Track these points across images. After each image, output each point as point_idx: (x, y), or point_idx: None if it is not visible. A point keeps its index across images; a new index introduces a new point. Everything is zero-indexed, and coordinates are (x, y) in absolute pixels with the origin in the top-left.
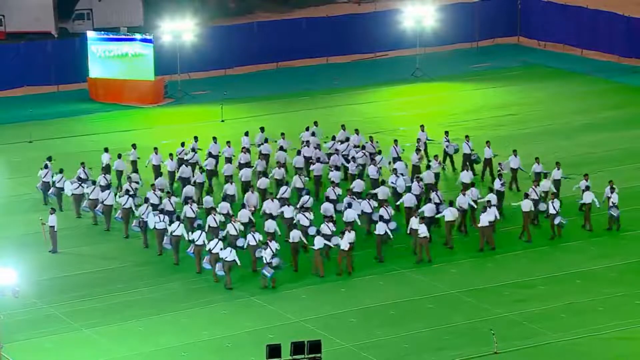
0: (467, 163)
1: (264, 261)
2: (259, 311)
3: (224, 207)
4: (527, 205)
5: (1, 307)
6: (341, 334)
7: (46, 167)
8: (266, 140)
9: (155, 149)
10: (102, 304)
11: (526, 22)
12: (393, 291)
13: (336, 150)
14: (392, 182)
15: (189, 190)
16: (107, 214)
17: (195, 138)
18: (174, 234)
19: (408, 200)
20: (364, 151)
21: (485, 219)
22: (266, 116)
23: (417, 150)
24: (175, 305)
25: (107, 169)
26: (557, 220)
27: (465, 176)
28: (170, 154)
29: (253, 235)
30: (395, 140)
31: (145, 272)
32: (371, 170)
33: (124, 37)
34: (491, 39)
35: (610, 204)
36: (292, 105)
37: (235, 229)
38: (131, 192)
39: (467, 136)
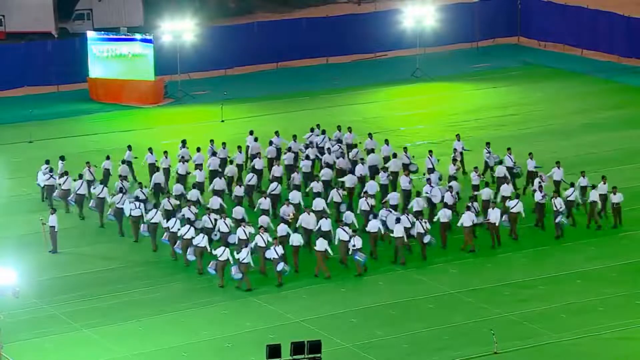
0: (509, 176)
1: (275, 256)
2: (259, 311)
3: (239, 212)
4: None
5: (1, 307)
6: (341, 334)
7: (101, 182)
8: (256, 140)
9: (129, 146)
10: (102, 304)
11: (526, 22)
12: (393, 291)
13: (310, 142)
14: (426, 192)
15: (159, 177)
16: (79, 203)
17: (211, 141)
18: (151, 221)
19: (443, 215)
20: (339, 144)
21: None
22: (266, 116)
23: (454, 160)
24: (175, 305)
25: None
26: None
27: (506, 190)
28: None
29: (224, 222)
30: (430, 151)
31: (145, 272)
32: (403, 181)
33: (124, 37)
34: (491, 39)
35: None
36: (292, 105)
37: (210, 220)
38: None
39: (509, 148)
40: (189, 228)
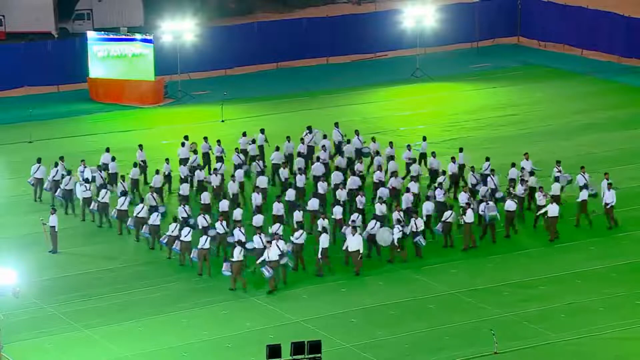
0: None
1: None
2: (259, 311)
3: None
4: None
5: (1, 307)
6: (341, 334)
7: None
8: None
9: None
10: (102, 304)
11: (526, 22)
12: (393, 291)
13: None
14: (482, 211)
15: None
16: (36, 186)
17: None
18: (101, 201)
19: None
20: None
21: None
22: (266, 116)
23: (522, 181)
24: (175, 305)
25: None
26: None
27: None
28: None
29: (204, 217)
30: (492, 170)
31: (145, 272)
32: (462, 198)
33: (124, 37)
34: (491, 39)
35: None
36: (292, 105)
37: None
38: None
39: (582, 167)
40: (157, 215)
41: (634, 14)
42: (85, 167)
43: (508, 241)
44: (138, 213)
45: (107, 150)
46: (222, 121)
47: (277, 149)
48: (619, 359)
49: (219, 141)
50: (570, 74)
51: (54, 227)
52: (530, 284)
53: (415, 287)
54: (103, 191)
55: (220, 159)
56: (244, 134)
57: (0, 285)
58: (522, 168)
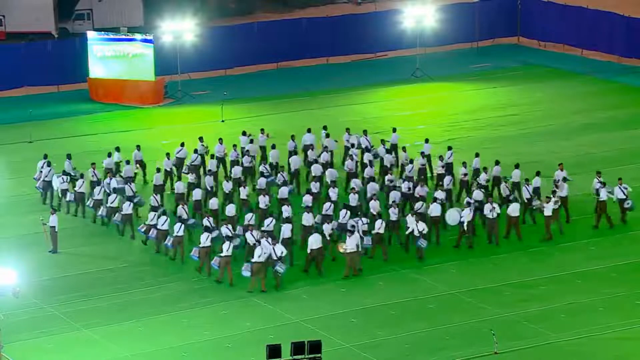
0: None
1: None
2: (259, 311)
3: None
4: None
5: (1, 307)
6: (341, 334)
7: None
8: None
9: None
10: (102, 304)
11: (526, 22)
12: (393, 291)
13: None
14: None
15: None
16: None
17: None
18: (77, 191)
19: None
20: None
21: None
22: (266, 116)
23: (553, 192)
24: (175, 305)
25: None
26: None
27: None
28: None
29: (155, 196)
30: (527, 179)
31: (145, 272)
32: (486, 209)
33: (124, 37)
34: (491, 39)
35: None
36: (292, 105)
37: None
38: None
39: (620, 179)
40: (130, 205)
41: (634, 14)
42: (111, 178)
43: (508, 241)
44: (112, 203)
45: (138, 148)
46: (222, 121)
47: (306, 156)
48: (619, 359)
49: (247, 151)
50: (570, 74)
51: (54, 227)
52: (530, 284)
53: (416, 287)
54: (80, 181)
55: (249, 169)
56: (244, 133)
57: (0, 285)
58: (555, 179)
